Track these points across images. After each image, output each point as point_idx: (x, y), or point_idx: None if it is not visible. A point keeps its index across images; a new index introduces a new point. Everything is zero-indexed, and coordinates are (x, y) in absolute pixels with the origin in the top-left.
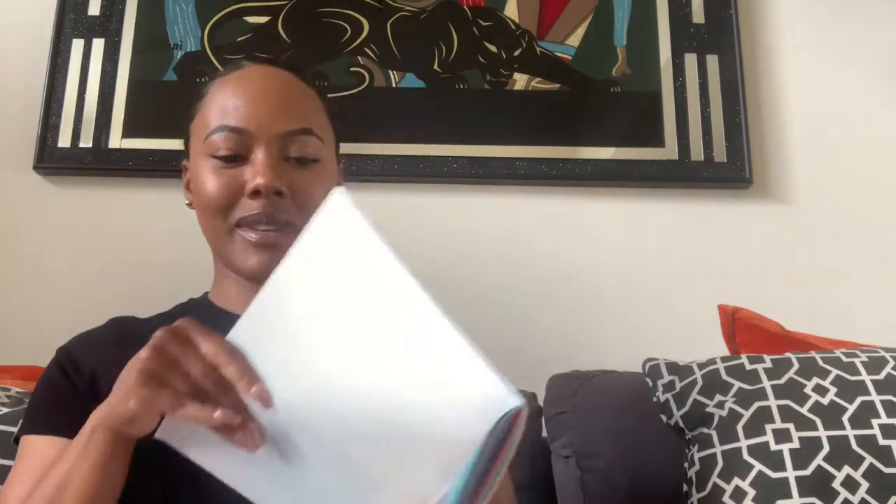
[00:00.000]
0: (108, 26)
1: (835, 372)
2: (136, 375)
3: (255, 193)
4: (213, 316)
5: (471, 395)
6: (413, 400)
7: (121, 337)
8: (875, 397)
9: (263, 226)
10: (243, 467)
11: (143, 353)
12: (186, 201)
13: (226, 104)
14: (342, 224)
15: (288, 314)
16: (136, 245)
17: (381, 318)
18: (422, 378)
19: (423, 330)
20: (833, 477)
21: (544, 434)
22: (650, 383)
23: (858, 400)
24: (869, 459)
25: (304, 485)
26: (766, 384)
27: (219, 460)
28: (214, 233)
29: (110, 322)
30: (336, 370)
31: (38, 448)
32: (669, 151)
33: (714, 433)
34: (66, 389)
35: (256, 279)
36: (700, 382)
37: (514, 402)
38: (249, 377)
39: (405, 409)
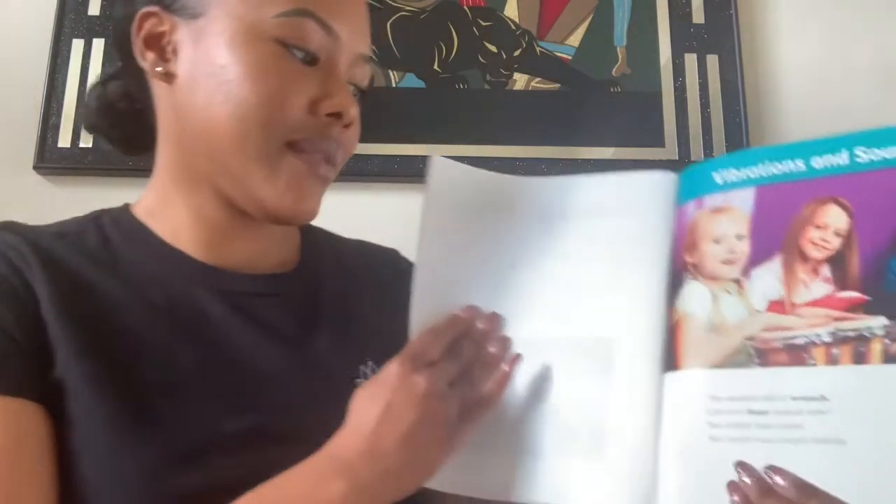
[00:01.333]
0: (108, 26)
1: None
2: (432, 416)
3: (333, 116)
4: (162, 254)
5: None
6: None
7: (43, 260)
8: None
9: (326, 155)
10: (512, 468)
11: (423, 385)
12: (159, 69)
13: None
14: (451, 177)
15: (445, 272)
16: None
17: (530, 225)
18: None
19: (566, 197)
20: None
21: None
22: None
23: None
24: None
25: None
26: None
27: (492, 477)
28: (243, 147)
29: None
30: (524, 303)
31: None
32: (669, 151)
33: None
34: (13, 329)
35: (287, 220)
36: None
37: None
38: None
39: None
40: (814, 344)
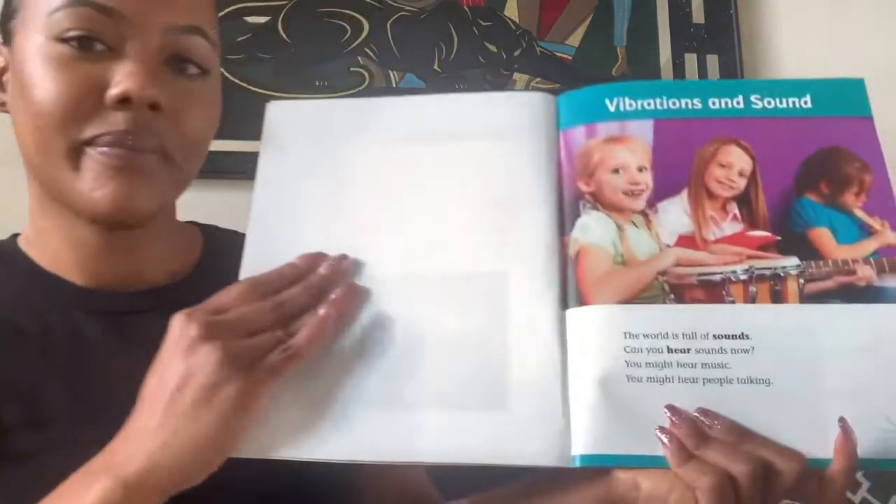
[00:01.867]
0: None
1: None
2: (201, 369)
3: (123, 102)
4: (38, 282)
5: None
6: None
7: None
8: None
9: (128, 148)
10: (337, 433)
11: (193, 333)
12: None
13: None
14: (290, 117)
15: (285, 221)
16: None
17: (376, 150)
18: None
19: (426, 117)
20: None
21: None
22: None
23: None
24: None
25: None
26: None
27: (310, 440)
28: (47, 154)
29: None
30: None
31: None
32: None
33: None
34: None
35: (108, 220)
36: None
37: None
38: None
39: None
40: (730, 281)
